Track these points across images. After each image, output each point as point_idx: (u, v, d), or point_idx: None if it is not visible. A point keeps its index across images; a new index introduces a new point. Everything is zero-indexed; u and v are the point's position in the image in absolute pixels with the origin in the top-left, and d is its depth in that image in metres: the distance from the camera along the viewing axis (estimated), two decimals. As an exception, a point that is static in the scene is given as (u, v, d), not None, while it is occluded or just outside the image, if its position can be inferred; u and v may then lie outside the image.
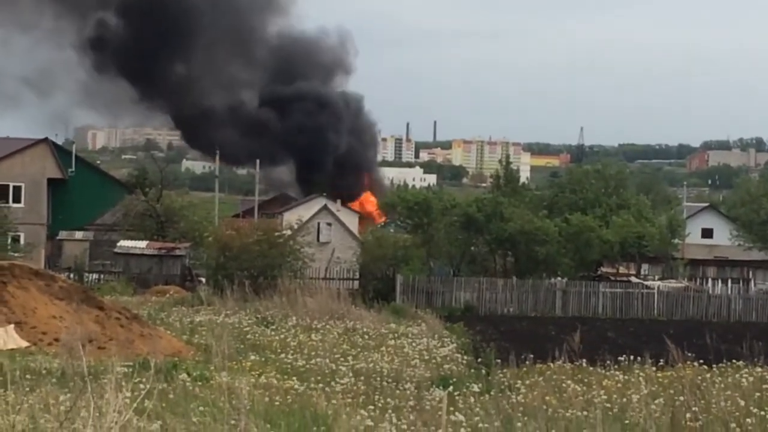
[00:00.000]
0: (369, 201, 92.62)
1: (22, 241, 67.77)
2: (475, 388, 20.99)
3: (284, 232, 58.11)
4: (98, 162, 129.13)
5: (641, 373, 21.73)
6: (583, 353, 23.98)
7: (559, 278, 59.85)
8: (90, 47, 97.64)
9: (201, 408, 14.53)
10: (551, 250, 61.82)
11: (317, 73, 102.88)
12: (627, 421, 16.03)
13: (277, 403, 17.38)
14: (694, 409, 15.86)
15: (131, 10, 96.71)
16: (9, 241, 65.01)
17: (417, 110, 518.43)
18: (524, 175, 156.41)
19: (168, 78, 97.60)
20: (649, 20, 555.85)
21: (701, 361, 22.71)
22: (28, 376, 17.93)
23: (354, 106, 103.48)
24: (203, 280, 58.22)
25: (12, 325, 28.33)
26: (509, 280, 58.71)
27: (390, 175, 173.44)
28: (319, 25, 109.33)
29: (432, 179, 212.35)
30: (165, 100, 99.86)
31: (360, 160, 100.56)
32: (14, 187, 72.70)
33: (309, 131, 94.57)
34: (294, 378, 22.18)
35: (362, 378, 22.68)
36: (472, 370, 27.76)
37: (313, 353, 28.66)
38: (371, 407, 16.72)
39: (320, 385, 20.74)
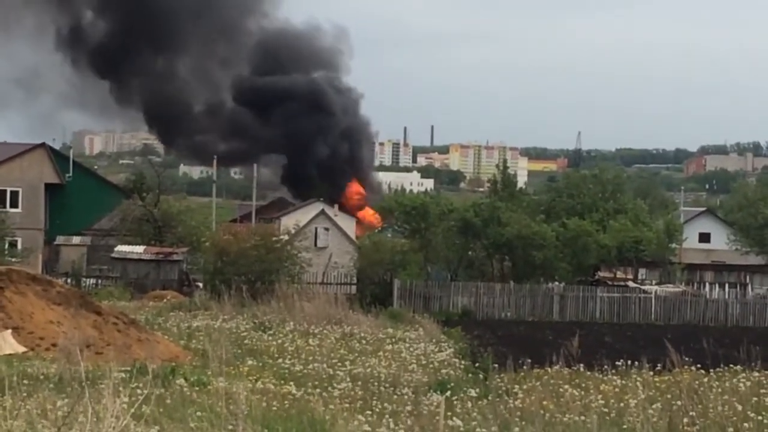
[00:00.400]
0: (359, 196, 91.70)
1: (19, 246, 67.71)
2: (473, 392, 21.01)
3: (282, 236, 58.11)
4: (95, 167, 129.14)
5: (639, 378, 21.74)
6: (580, 358, 24.00)
7: (557, 283, 59.85)
8: (67, 44, 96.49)
9: (198, 413, 14.52)
10: (548, 254, 61.84)
11: (310, 70, 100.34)
12: (624, 426, 16.03)
13: (274, 408, 17.37)
14: (691, 413, 15.88)
15: (108, 4, 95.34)
16: (6, 246, 65.00)
17: (414, 115, 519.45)
18: (522, 180, 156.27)
19: (142, 73, 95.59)
20: (646, 25, 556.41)
21: (699, 365, 22.74)
22: (25, 382, 17.92)
23: (350, 104, 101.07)
24: (200, 284, 58.20)
25: (9, 331, 28.29)
26: (507, 284, 58.70)
27: (387, 179, 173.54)
28: (312, 21, 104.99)
29: (429, 184, 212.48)
30: (139, 97, 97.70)
31: (354, 159, 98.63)
32: (11, 191, 72.67)
33: (299, 130, 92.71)
34: (291, 383, 22.17)
35: (360, 383, 22.68)
36: (470, 375, 27.78)
37: (310, 358, 28.66)
38: (369, 412, 16.73)
39: (317, 390, 20.74)
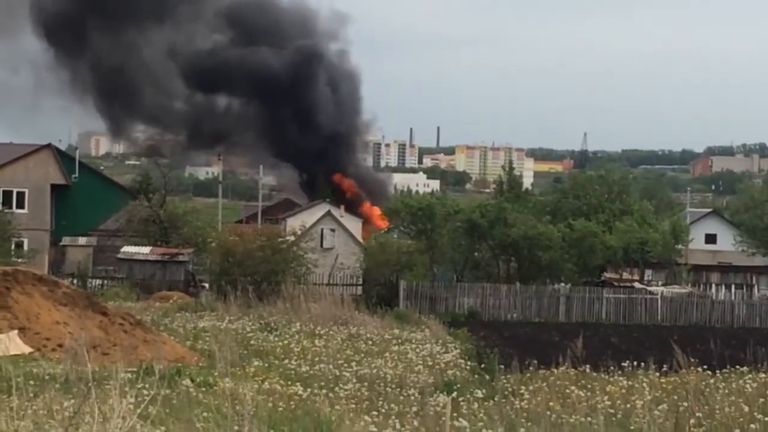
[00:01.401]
0: (351, 187, 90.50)
1: (25, 247, 67.79)
2: (479, 393, 21.01)
3: (288, 237, 58.15)
4: (102, 168, 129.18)
5: (645, 379, 21.73)
6: (586, 359, 24.02)
7: (563, 284, 59.80)
8: (35, 26, 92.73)
9: (204, 414, 14.52)
10: (555, 255, 61.77)
11: (294, 51, 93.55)
12: (631, 427, 16.04)
13: (280, 408, 17.38)
14: (698, 414, 15.88)
15: None
16: (12, 246, 65.06)
17: (420, 116, 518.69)
18: (528, 181, 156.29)
19: (93, 52, 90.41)
20: (652, 26, 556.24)
21: (705, 366, 22.73)
22: (31, 382, 17.93)
23: (343, 88, 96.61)
24: (206, 285, 58.25)
25: (15, 331, 28.33)
26: (513, 285, 58.69)
27: (393, 180, 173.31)
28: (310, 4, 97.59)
29: (435, 185, 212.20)
30: (88, 74, 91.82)
31: (347, 149, 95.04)
32: (18, 192, 72.70)
33: (288, 113, 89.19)
34: (298, 384, 22.18)
35: (366, 384, 22.70)
36: (476, 376, 27.82)
37: (316, 359, 28.69)
38: (375, 413, 16.74)
39: (324, 390, 20.75)
